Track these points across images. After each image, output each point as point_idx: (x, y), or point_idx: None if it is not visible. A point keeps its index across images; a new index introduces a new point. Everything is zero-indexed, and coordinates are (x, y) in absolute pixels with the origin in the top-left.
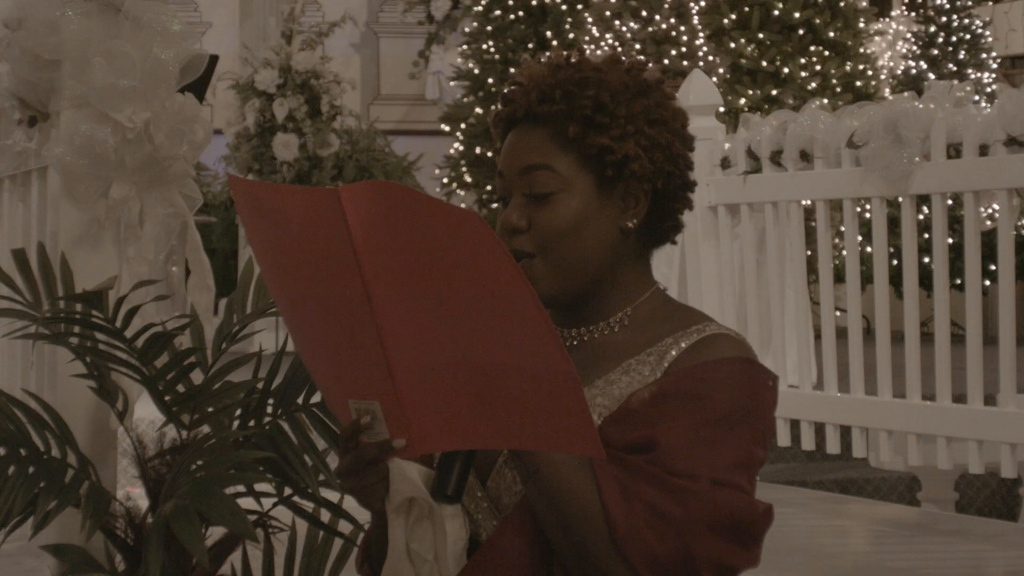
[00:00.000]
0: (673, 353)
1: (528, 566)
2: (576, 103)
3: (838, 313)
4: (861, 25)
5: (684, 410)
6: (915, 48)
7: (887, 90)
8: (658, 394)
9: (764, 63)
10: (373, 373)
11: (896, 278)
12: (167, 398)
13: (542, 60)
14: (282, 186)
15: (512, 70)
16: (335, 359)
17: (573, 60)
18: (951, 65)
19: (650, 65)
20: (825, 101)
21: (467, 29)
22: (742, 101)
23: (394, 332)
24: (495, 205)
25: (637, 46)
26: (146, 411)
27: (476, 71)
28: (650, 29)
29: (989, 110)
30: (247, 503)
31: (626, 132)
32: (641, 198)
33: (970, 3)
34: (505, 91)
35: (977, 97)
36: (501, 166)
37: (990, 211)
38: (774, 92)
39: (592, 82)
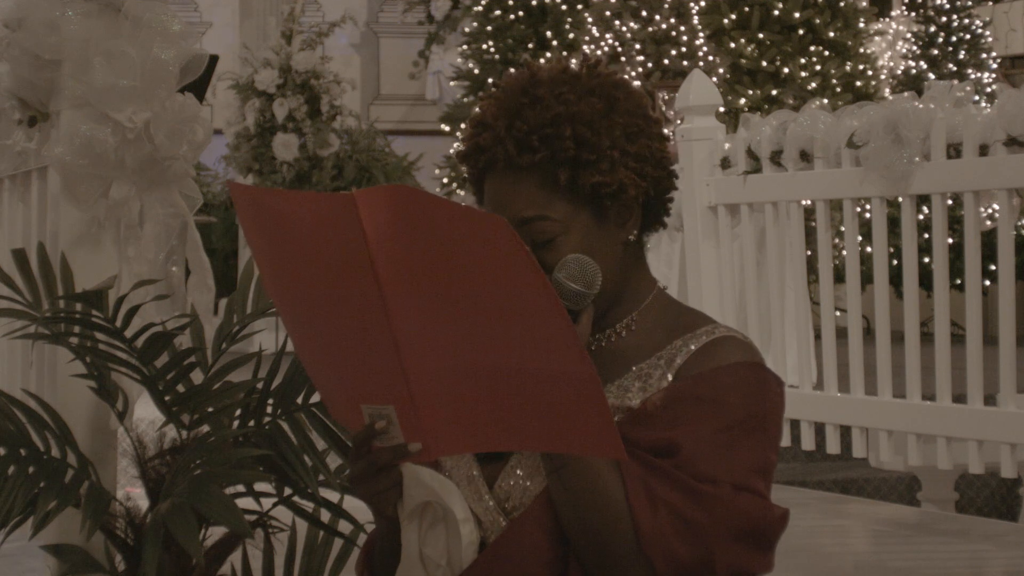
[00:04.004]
0: (683, 356)
1: (544, 561)
2: (558, 146)
3: (838, 313)
4: (861, 25)
5: (702, 414)
6: (915, 48)
7: (887, 90)
8: (673, 398)
9: (764, 63)
10: (388, 377)
11: (896, 278)
12: (167, 398)
13: (495, 93)
14: (291, 192)
15: (511, 70)
16: (346, 364)
17: (533, 92)
18: (951, 65)
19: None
20: (825, 101)
21: (467, 29)
22: (742, 101)
23: (410, 336)
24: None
25: (637, 46)
26: (146, 411)
27: (476, 71)
28: (650, 29)
29: (989, 110)
30: (247, 503)
31: (614, 160)
32: (636, 209)
33: (970, 3)
34: (474, 136)
35: (977, 97)
36: None
37: (990, 211)
38: (774, 92)
39: (565, 118)
